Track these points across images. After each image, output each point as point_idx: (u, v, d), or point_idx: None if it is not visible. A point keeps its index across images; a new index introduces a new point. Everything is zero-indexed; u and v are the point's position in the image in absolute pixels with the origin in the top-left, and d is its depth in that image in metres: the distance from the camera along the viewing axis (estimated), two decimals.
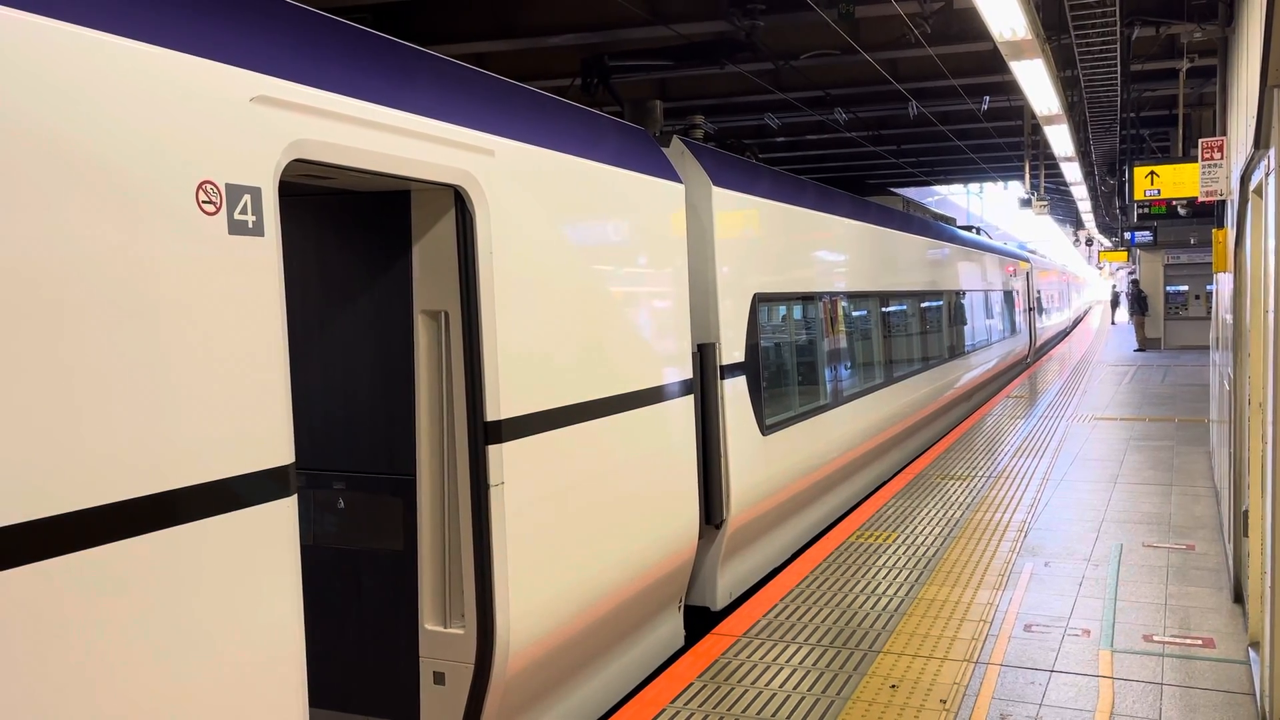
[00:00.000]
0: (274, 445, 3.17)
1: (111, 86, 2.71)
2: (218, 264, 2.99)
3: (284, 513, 3.21)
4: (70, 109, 2.60)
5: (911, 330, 12.60)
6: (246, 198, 3.09)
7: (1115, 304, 49.31)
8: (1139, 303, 27.07)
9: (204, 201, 2.95)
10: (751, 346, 7.19)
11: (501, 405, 4.33)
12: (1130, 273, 36.56)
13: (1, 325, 2.44)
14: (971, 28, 11.29)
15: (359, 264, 4.52)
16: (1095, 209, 27.64)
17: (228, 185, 3.03)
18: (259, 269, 3.12)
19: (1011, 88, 14.66)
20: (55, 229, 2.55)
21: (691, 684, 5.23)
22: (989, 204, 49.58)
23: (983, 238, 20.90)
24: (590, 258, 5.15)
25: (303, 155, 3.34)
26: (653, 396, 5.74)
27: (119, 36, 2.75)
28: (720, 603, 6.88)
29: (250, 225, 3.10)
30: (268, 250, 3.15)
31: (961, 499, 9.29)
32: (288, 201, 4.59)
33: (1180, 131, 14.20)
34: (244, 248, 3.07)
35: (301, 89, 3.34)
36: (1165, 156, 17.49)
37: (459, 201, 4.23)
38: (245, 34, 3.23)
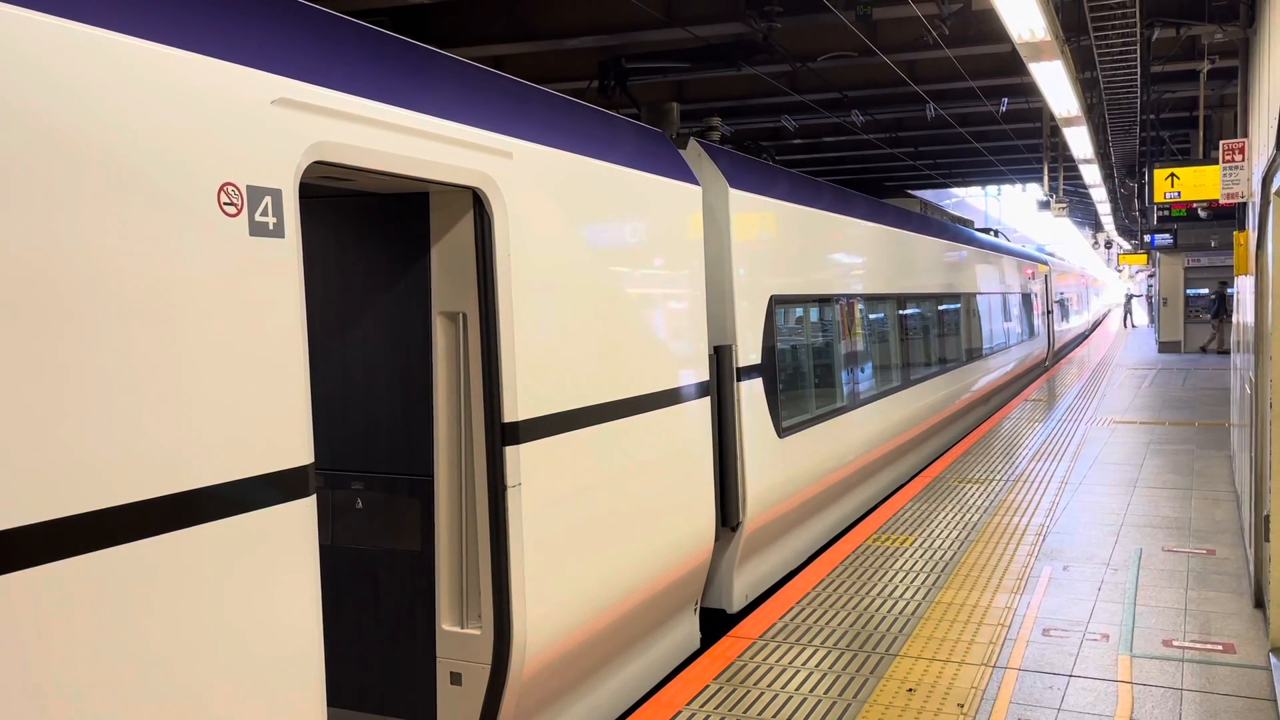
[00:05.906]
0: (293, 446, 3.19)
1: (135, 89, 2.74)
2: (239, 265, 3.01)
3: (303, 513, 3.23)
4: (93, 111, 2.63)
5: (929, 333, 12.56)
6: (267, 199, 3.11)
7: (1128, 310, 46.75)
8: (1223, 302, 25.17)
9: (225, 203, 2.97)
10: (768, 348, 7.18)
11: (519, 407, 4.34)
12: (1150, 275, 36.16)
13: (24, 327, 2.46)
14: (990, 29, 11.26)
15: (378, 265, 4.55)
16: (1115, 211, 27.47)
17: (249, 187, 3.05)
18: (279, 270, 3.14)
19: (1030, 89, 14.60)
20: (77, 230, 2.58)
21: (708, 686, 5.23)
22: (1007, 206, 49.26)
23: (1001, 240, 20.81)
24: (607, 259, 5.16)
25: (323, 157, 3.36)
26: (669, 398, 5.74)
27: (142, 40, 2.78)
28: (736, 605, 6.87)
29: (271, 227, 3.12)
30: (288, 252, 3.18)
31: (979, 502, 9.25)
32: (307, 203, 4.62)
33: (1201, 133, 14.09)
34: (265, 249, 3.10)
35: (322, 91, 3.36)
36: (1186, 158, 17.39)
37: (477, 203, 4.24)
38: (266, 37, 3.25)
